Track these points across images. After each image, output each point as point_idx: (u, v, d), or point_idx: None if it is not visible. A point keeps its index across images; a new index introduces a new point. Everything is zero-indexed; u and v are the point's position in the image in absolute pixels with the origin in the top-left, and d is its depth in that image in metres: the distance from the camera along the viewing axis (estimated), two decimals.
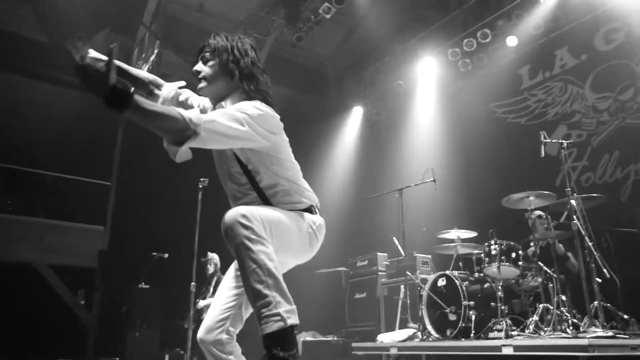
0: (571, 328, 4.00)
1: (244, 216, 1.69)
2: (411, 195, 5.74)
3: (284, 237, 1.85)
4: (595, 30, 6.21)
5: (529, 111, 6.88)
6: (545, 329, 4.13)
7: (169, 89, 2.30)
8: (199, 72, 2.03)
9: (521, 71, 7.07)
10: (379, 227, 7.37)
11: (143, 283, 6.53)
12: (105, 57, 2.04)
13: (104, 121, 8.06)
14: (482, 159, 7.00)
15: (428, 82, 8.00)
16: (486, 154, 7.00)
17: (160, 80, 2.34)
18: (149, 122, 1.64)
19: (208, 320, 2.00)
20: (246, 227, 1.68)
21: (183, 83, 2.33)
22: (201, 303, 5.85)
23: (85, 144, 7.69)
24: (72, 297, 7.28)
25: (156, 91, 2.30)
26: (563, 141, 4.55)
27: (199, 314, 5.73)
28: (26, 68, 8.02)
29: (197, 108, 2.17)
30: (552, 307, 4.23)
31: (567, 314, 4.13)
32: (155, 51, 7.06)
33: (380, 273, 6.34)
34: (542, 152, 4.49)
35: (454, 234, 5.30)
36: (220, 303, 2.02)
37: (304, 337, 6.39)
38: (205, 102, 2.23)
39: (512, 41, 6.87)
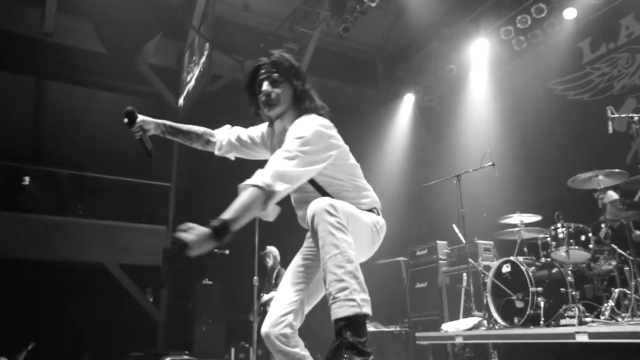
0: None
1: (331, 205, 1.76)
2: (470, 181, 5.57)
3: (358, 231, 1.89)
4: None
5: (593, 86, 6.51)
6: (623, 314, 3.90)
7: (222, 135, 2.38)
8: (269, 94, 2.03)
9: (582, 45, 6.69)
10: (437, 215, 7.22)
11: (207, 279, 6.73)
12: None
13: None
14: (542, 140, 6.70)
15: (481, 64, 7.73)
16: (547, 134, 6.69)
17: (210, 130, 2.42)
18: (246, 219, 1.75)
19: (272, 314, 2.03)
20: (332, 215, 1.74)
21: (228, 126, 2.41)
22: (265, 297, 5.95)
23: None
24: (141, 294, 7.63)
25: (211, 139, 2.40)
26: (633, 115, 4.26)
27: (263, 308, 5.83)
28: (87, 79, 8.45)
29: (258, 148, 2.33)
30: (629, 292, 3.99)
31: None
32: (205, 53, 7.22)
33: (440, 261, 6.22)
34: (610, 128, 4.22)
35: (516, 218, 5.10)
36: (283, 298, 2.06)
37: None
38: (256, 131, 2.33)
39: (570, 13, 6.51)
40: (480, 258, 5.69)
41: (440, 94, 8.65)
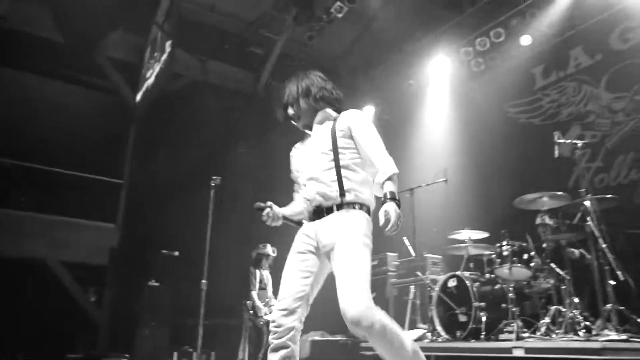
0: (584, 331, 3.94)
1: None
2: (422, 196, 5.69)
3: None
4: (611, 30, 6.11)
5: (543, 111, 6.80)
6: (557, 331, 4.07)
7: (300, 206, 2.68)
8: (292, 116, 2.68)
9: (535, 71, 6.98)
10: None
11: (153, 281, 6.56)
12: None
13: (116, 119, 8.16)
14: (494, 159, 6.93)
15: (440, 82, 7.93)
16: (499, 154, 6.92)
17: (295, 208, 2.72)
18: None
19: (282, 305, 2.31)
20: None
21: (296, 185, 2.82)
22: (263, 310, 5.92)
23: (97, 141, 7.76)
24: (82, 294, 7.35)
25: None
26: (577, 141, 4.48)
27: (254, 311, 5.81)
28: (41, 67, 8.12)
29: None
30: (564, 310, 4.17)
31: (579, 316, 4.06)
32: (167, 50, 7.09)
33: (390, 273, 6.30)
34: (556, 152, 4.43)
35: (465, 234, 5.25)
36: (291, 292, 2.34)
37: (312, 336, 6.37)
38: (293, 166, 2.81)
39: (526, 40, 6.79)
40: (428, 271, 5.81)
41: (399, 107, 8.80)
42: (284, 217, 2.59)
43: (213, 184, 4.74)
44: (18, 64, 7.87)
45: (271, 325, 2.29)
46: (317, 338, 6.35)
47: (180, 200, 7.03)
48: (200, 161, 7.20)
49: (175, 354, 6.23)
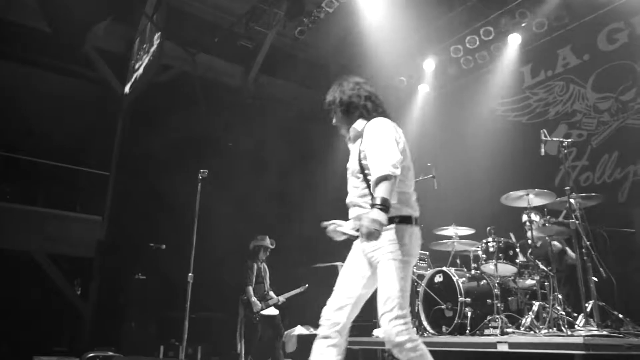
0: (566, 326, 4.00)
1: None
2: None
3: None
4: (599, 30, 6.19)
5: (530, 110, 6.87)
6: (541, 326, 4.13)
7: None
8: (333, 123, 2.82)
9: (524, 69, 7.05)
10: None
11: (140, 274, 6.52)
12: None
13: (104, 110, 8.07)
14: (482, 157, 6.99)
15: (430, 79, 7.98)
16: (487, 152, 6.98)
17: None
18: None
19: (334, 303, 2.47)
20: None
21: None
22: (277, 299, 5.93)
23: (84, 133, 7.68)
24: (69, 287, 7.28)
25: None
26: (563, 140, 4.54)
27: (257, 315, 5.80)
28: (27, 56, 7.99)
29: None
30: (547, 305, 4.23)
31: (562, 312, 4.13)
32: (157, 42, 7.03)
33: None
34: (542, 150, 4.48)
35: (452, 230, 5.30)
36: (343, 292, 2.50)
37: (299, 330, 6.39)
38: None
39: (515, 39, 6.85)
40: (415, 267, 5.84)
41: (389, 103, 8.80)
42: (344, 233, 2.64)
43: (200, 177, 4.73)
44: (3, 52, 7.74)
45: (322, 317, 2.46)
46: (303, 332, 6.38)
47: (167, 192, 6.99)
48: (188, 154, 7.16)
49: (162, 348, 6.20)
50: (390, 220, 2.34)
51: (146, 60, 7.36)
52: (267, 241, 6.23)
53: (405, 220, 2.43)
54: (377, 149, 2.45)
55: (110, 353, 4.79)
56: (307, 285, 6.17)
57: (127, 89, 8.03)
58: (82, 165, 7.82)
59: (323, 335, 2.42)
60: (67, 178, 7.76)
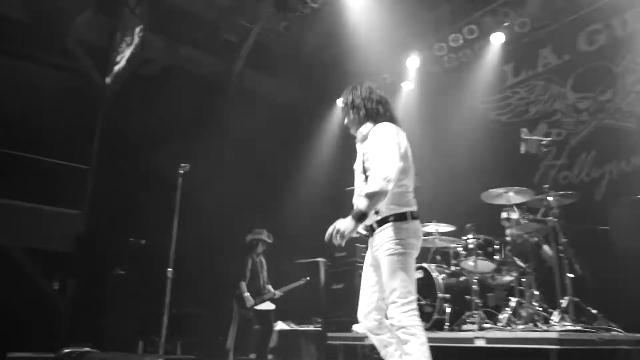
0: (542, 322, 4.07)
1: None
2: None
3: None
4: (579, 31, 6.27)
5: (511, 108, 6.95)
6: (518, 322, 4.19)
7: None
8: (346, 124, 3.03)
9: (506, 68, 7.12)
10: None
11: (119, 269, 6.45)
12: None
13: (84, 103, 7.94)
14: (463, 154, 7.05)
15: (413, 76, 8.01)
16: (467, 149, 7.04)
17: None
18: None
19: (361, 309, 2.78)
20: None
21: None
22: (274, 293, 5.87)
23: (64, 126, 7.54)
24: (46, 282, 7.16)
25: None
26: (543, 138, 4.59)
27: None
28: (5, 47, 7.82)
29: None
30: (524, 302, 4.29)
31: (539, 308, 4.19)
32: (139, 35, 6.94)
33: (358, 264, 6.34)
34: (522, 148, 4.54)
35: (432, 227, 5.34)
36: (365, 297, 2.78)
37: (280, 326, 6.39)
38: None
39: (498, 38, 6.90)
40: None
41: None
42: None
43: (181, 171, 4.69)
44: None
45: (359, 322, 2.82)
46: (284, 327, 6.37)
47: (148, 187, 6.91)
48: (169, 148, 7.08)
49: (141, 343, 6.15)
50: (386, 220, 2.63)
51: (128, 53, 7.26)
52: (264, 234, 6.18)
53: (400, 217, 2.64)
54: (375, 159, 2.64)
55: (87, 349, 4.72)
56: (308, 278, 6.17)
57: (108, 81, 7.91)
58: (61, 158, 7.68)
59: (373, 334, 2.80)
60: (45, 171, 7.61)
